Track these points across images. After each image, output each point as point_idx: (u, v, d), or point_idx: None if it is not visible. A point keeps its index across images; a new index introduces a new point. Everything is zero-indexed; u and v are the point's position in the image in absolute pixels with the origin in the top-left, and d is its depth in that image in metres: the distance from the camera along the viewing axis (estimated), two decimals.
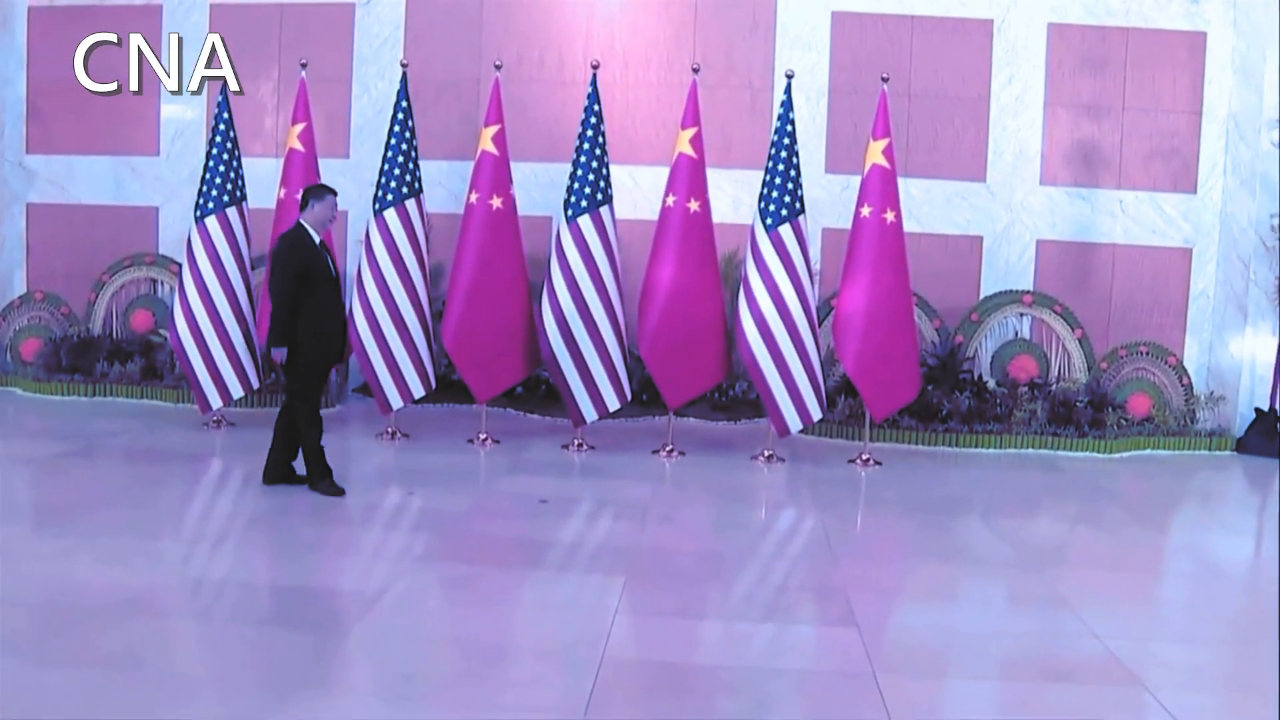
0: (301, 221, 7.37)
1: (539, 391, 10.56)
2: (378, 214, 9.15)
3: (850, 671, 4.75)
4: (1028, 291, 10.83)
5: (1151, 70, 10.90)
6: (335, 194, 7.53)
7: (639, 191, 10.72)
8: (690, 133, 9.09)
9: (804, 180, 9.08)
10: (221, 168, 9.51)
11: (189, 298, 9.38)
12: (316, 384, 7.51)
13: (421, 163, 9.45)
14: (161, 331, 11.11)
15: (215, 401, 9.45)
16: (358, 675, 4.62)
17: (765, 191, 8.92)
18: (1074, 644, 5.21)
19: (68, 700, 4.10)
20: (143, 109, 11.33)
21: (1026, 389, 10.41)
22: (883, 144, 9.03)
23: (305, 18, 11.29)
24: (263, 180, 10.30)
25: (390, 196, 9.17)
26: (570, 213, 9.04)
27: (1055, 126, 11.00)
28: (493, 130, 9.23)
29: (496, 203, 9.19)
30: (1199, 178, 10.94)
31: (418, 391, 9.29)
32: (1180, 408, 10.57)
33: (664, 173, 9.31)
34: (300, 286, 7.17)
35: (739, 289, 9.02)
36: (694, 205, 9.05)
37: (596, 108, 9.14)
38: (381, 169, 9.28)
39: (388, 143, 9.31)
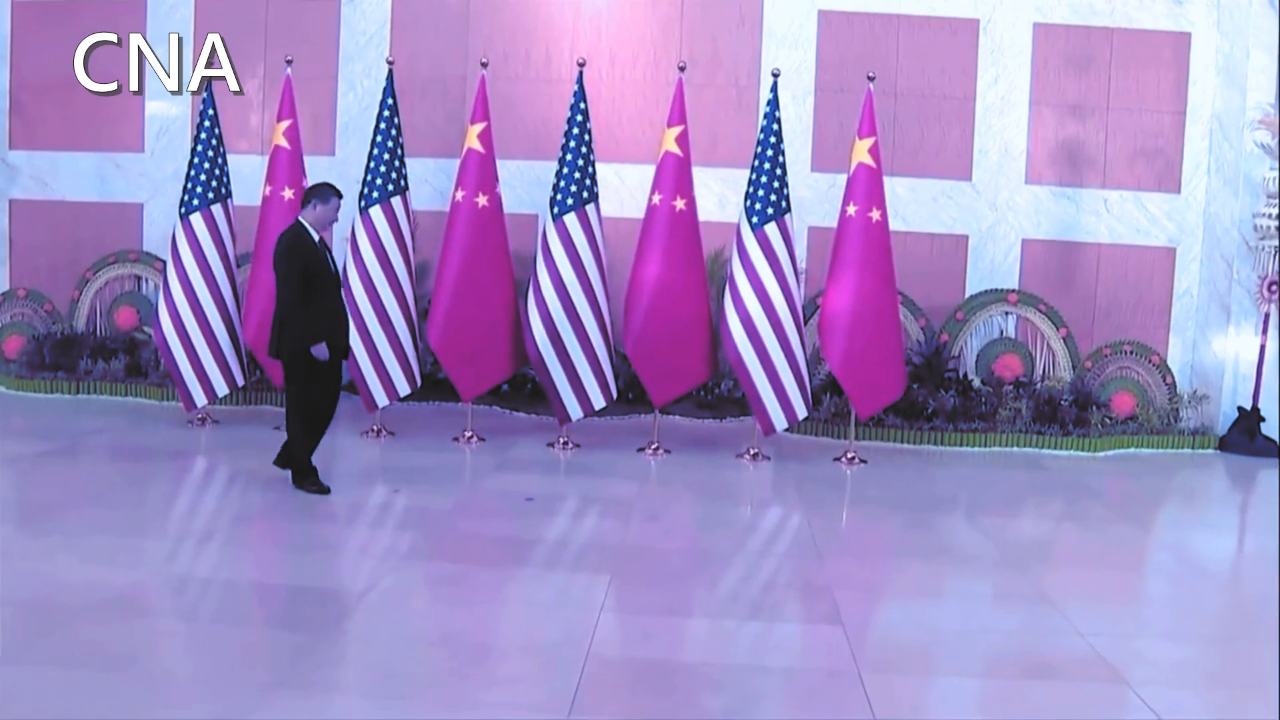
0: (301, 219, 7.37)
1: (525, 389, 10.54)
2: (363, 211, 9.14)
3: (835, 669, 4.76)
4: (1013, 290, 10.86)
5: (1136, 70, 10.94)
6: (340, 196, 7.50)
7: (625, 189, 10.71)
8: (676, 131, 9.09)
9: (790, 179, 9.09)
10: (207, 165, 9.48)
11: (174, 295, 9.35)
12: (316, 382, 7.45)
13: (407, 160, 9.44)
14: (146, 329, 11.07)
15: (200, 399, 9.42)
16: (343, 674, 4.61)
17: (751, 190, 8.93)
18: (1058, 641, 5.23)
19: (52, 700, 4.08)
20: (127, 105, 11.25)
21: (1011, 388, 10.45)
22: (869, 143, 9.04)
23: (291, 14, 11.24)
24: (248, 177, 10.25)
25: (376, 194, 9.16)
26: (556, 210, 9.03)
27: (1040, 126, 11.03)
28: (479, 128, 9.22)
29: (482, 200, 9.18)
30: (1183, 177, 10.98)
31: (403, 389, 9.28)
32: (1164, 406, 10.61)
33: (650, 171, 9.30)
34: (304, 285, 7.17)
35: (724, 287, 9.03)
36: (680, 203, 9.06)
37: (583, 105, 9.14)
38: (367, 166, 9.27)
39: (373, 140, 9.30)
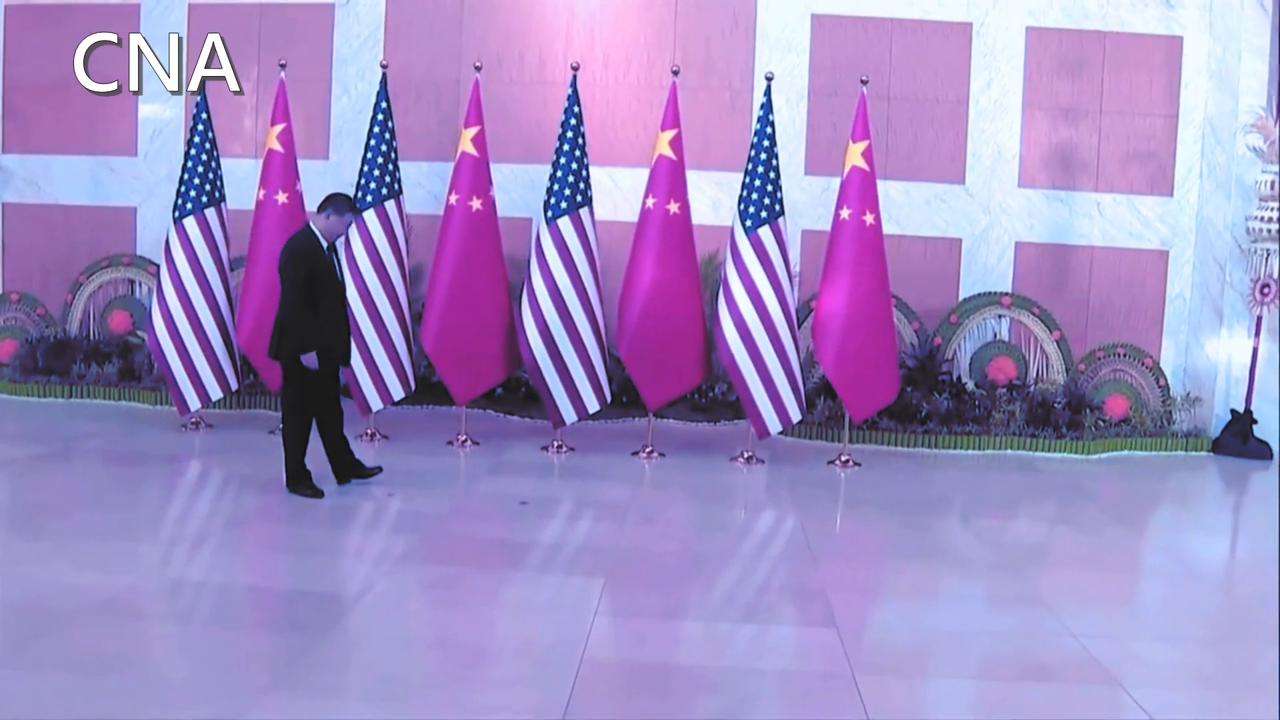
0: (310, 224, 7.41)
1: (519, 393, 10.54)
2: (357, 215, 9.13)
3: (829, 672, 4.76)
4: (1006, 293, 10.88)
5: (1128, 74, 10.96)
6: (356, 213, 7.64)
7: (619, 193, 10.71)
8: (670, 134, 9.09)
9: (784, 182, 9.10)
10: (200, 168, 9.47)
11: (167, 299, 9.34)
12: (314, 390, 7.45)
13: (401, 164, 9.44)
14: (139, 333, 11.05)
15: (194, 403, 9.41)
16: (337, 677, 4.60)
17: (745, 193, 8.94)
18: (1052, 643, 5.24)
19: (46, 703, 4.08)
20: (121, 108, 11.25)
21: (1005, 390, 10.46)
22: (862, 146, 9.06)
23: (284, 18, 11.23)
24: (242, 181, 10.24)
25: (370, 198, 9.16)
26: (550, 214, 9.03)
27: (1033, 129, 11.05)
28: (472, 131, 9.22)
29: (476, 204, 9.18)
30: (1175, 180, 11.01)
31: (397, 393, 9.28)
32: (1157, 409, 10.63)
33: (644, 174, 9.31)
34: (308, 290, 7.19)
35: (719, 291, 9.04)
36: (674, 207, 9.06)
37: (576, 109, 9.15)
38: (361, 170, 9.27)
39: (367, 144, 9.30)
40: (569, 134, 9.11)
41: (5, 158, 11.81)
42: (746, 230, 8.86)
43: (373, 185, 9.16)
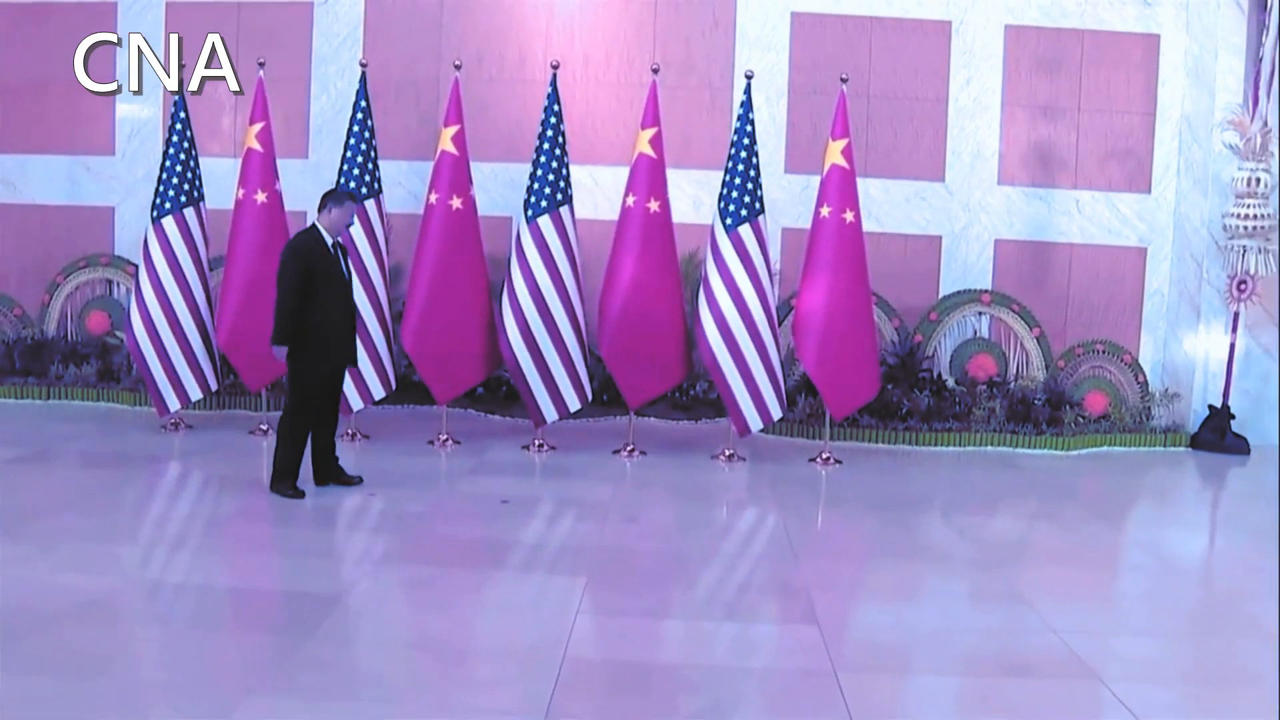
0: (316, 223, 7.44)
1: (500, 392, 10.53)
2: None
3: (811, 669, 4.76)
4: (986, 291, 10.92)
5: (1106, 72, 11.03)
6: (355, 201, 7.69)
7: (599, 191, 10.71)
8: (650, 133, 9.09)
9: (764, 180, 9.10)
10: (179, 168, 9.42)
11: (146, 299, 9.28)
12: (317, 388, 7.43)
13: (381, 163, 9.42)
14: (118, 333, 11.00)
15: (173, 404, 9.36)
16: (319, 678, 4.58)
17: (725, 191, 8.95)
18: (1033, 639, 5.25)
19: (27, 706, 4.05)
20: (98, 108, 11.19)
21: (985, 387, 10.51)
22: (842, 144, 9.08)
23: (263, 16, 11.18)
24: (220, 180, 10.20)
25: None
26: (530, 213, 9.02)
27: (1012, 127, 11.10)
28: (452, 130, 9.20)
29: (456, 203, 9.16)
30: (1153, 178, 11.08)
31: (378, 393, 9.26)
32: (1136, 405, 10.69)
33: (624, 173, 9.31)
34: (303, 287, 7.19)
35: (699, 289, 9.04)
36: (654, 205, 9.06)
37: (556, 108, 9.13)
38: (340, 169, 9.25)
39: (347, 142, 9.28)
40: (549, 132, 9.09)
41: None
42: (727, 228, 8.87)
43: (352, 184, 9.13)
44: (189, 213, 9.44)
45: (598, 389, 9.74)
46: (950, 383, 10.62)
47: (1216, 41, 10.67)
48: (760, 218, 8.96)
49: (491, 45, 11.12)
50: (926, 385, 10.42)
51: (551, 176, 9.04)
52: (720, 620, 5.54)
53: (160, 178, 9.44)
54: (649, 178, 9.09)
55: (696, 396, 10.50)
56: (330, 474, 7.65)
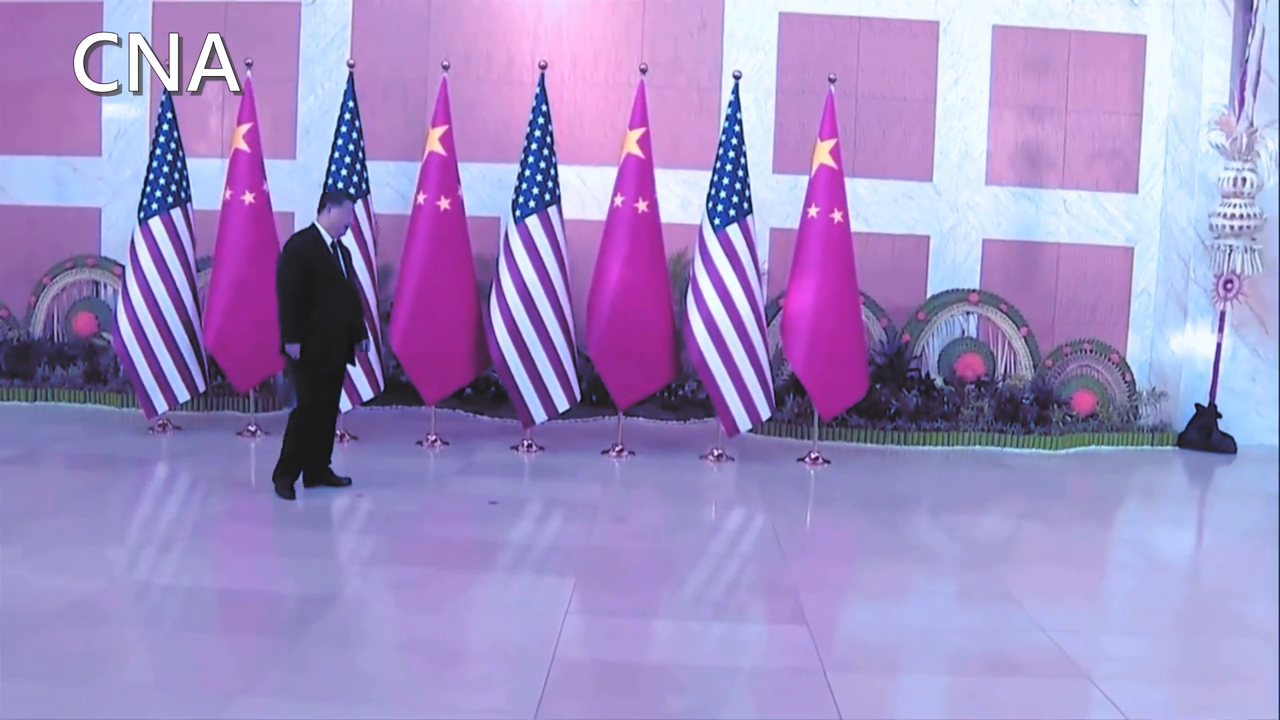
0: (316, 224, 7.44)
1: (488, 393, 10.53)
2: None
3: (800, 668, 4.77)
4: (974, 290, 10.95)
5: (1094, 72, 11.06)
6: (353, 200, 7.76)
7: (587, 192, 10.71)
8: (638, 133, 9.09)
9: (752, 180, 9.12)
10: (165, 169, 9.39)
11: (133, 300, 9.25)
12: (318, 388, 7.42)
13: (369, 163, 9.42)
14: (105, 335, 10.96)
15: (160, 406, 9.33)
16: (308, 679, 4.57)
17: (713, 192, 8.95)
18: (1021, 638, 5.26)
19: (15, 709, 4.03)
20: (84, 108, 11.15)
21: (973, 387, 10.53)
22: (830, 144, 9.08)
23: (250, 17, 11.14)
24: (208, 181, 10.17)
25: None
26: (518, 213, 9.02)
27: (1000, 127, 11.13)
28: (440, 131, 9.19)
29: (444, 204, 9.15)
30: (1140, 178, 11.12)
31: (366, 393, 9.25)
32: (1123, 404, 10.73)
33: (612, 173, 9.31)
34: (303, 286, 7.19)
35: (687, 289, 9.04)
36: (642, 205, 9.06)
37: (544, 108, 9.13)
38: (328, 170, 9.23)
39: (334, 143, 9.27)
40: (537, 133, 9.09)
41: None
42: (715, 228, 8.87)
43: (340, 185, 9.11)
44: (176, 213, 9.41)
45: (586, 389, 9.74)
46: (938, 382, 10.65)
47: (1203, 42, 10.71)
48: (748, 218, 8.96)
49: (479, 46, 11.11)
50: (915, 385, 10.44)
51: (539, 177, 9.03)
52: (709, 620, 5.54)
53: (147, 178, 9.41)
54: (637, 178, 9.08)
55: (685, 396, 10.51)
56: (321, 476, 7.63)
